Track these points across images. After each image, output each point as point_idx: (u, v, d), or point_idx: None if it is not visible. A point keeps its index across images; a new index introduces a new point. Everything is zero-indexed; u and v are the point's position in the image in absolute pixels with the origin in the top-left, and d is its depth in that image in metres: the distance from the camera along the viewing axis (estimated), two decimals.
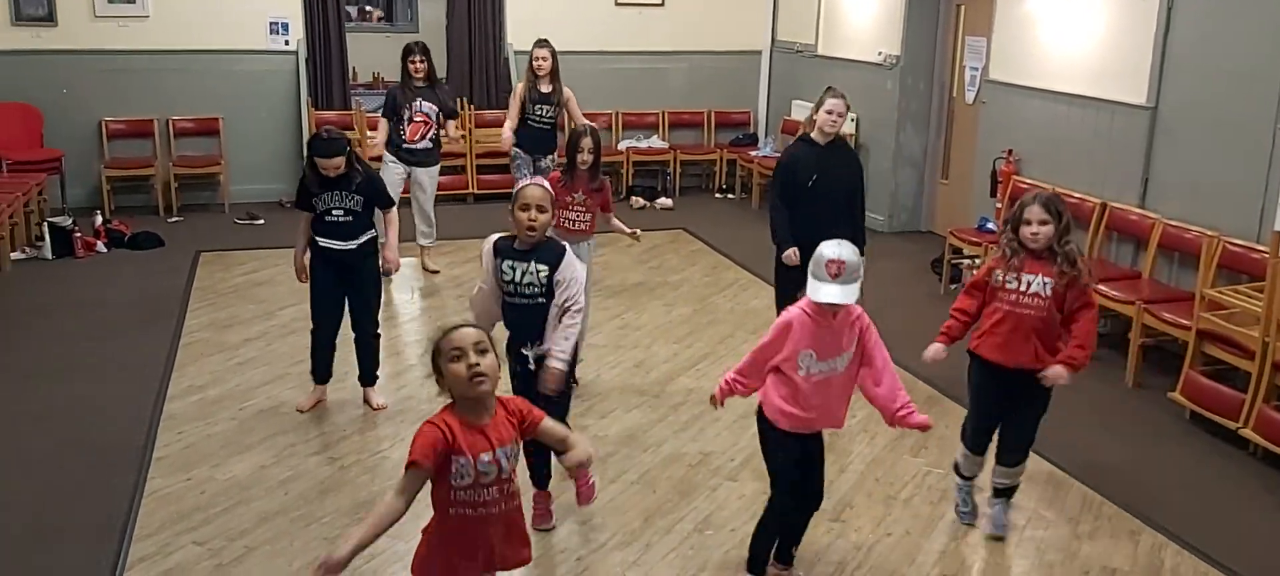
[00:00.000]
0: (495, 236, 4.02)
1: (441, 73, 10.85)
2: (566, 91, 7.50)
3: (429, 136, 7.42)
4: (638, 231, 5.95)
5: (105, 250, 8.17)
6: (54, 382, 5.67)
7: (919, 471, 4.82)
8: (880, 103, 9.22)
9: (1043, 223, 3.87)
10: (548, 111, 7.41)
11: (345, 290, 5.17)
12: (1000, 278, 3.98)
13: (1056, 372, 3.92)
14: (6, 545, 4.09)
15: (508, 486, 2.77)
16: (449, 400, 2.73)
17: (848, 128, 9.49)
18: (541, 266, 3.89)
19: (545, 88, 7.39)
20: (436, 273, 7.68)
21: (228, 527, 4.22)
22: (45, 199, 8.75)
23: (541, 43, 7.48)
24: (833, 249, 3.44)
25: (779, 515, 3.76)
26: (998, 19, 7.85)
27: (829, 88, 5.47)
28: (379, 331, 5.36)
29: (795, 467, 3.66)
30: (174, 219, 9.18)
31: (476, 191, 10.02)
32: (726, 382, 3.68)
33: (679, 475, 4.73)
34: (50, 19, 9.06)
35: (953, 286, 7.39)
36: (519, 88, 7.51)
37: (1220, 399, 5.23)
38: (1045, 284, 3.90)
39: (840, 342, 3.51)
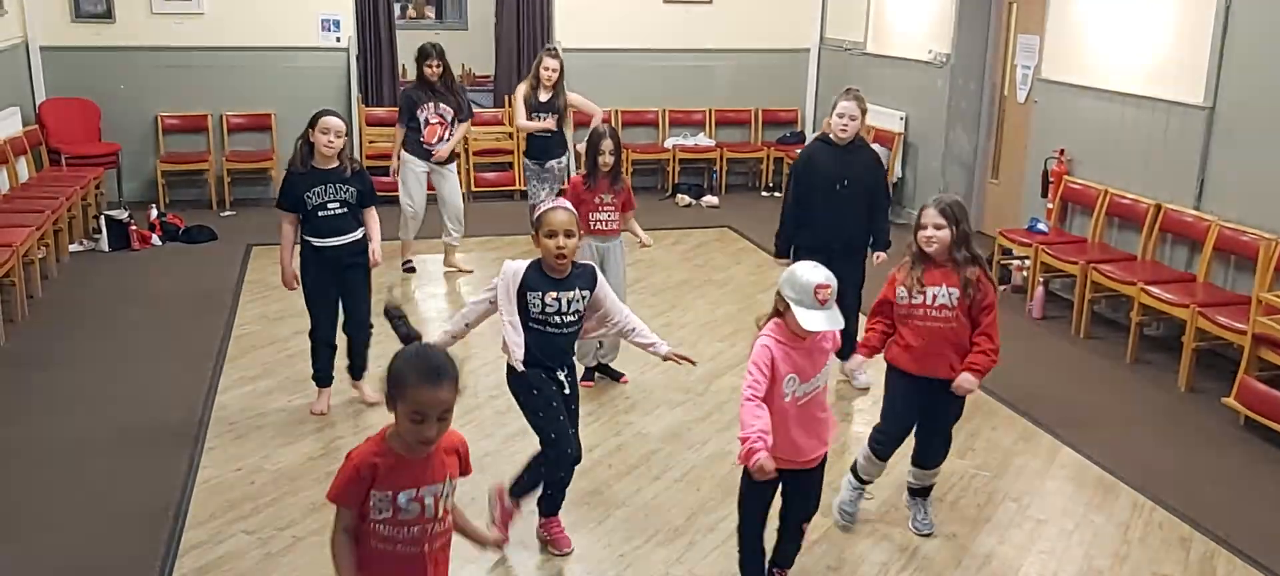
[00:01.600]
0: (522, 264, 3.81)
1: (489, 69, 10.97)
2: (571, 96, 7.49)
3: (444, 137, 7.47)
4: (649, 241, 5.86)
5: (160, 243, 8.31)
6: (108, 372, 5.79)
7: (965, 473, 4.77)
8: (930, 102, 9.13)
9: (938, 227, 3.85)
10: (544, 118, 7.38)
11: (339, 289, 5.17)
12: (906, 296, 3.93)
13: (964, 381, 3.89)
14: (63, 533, 4.18)
15: (432, 527, 2.58)
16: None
17: (897, 126, 9.48)
18: (584, 292, 3.82)
19: (544, 96, 7.35)
20: (470, 272, 7.69)
21: (277, 517, 4.28)
22: (102, 192, 8.97)
23: (552, 52, 7.44)
24: (819, 274, 3.32)
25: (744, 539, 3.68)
26: (1051, 17, 7.74)
27: (846, 89, 5.43)
28: (372, 327, 5.34)
29: (765, 498, 3.58)
30: (227, 213, 9.33)
31: (522, 188, 10.05)
32: (752, 446, 3.25)
33: (722, 473, 4.72)
34: (109, 16, 9.23)
35: (1001, 287, 7.30)
36: (521, 89, 7.45)
37: (1276, 405, 5.12)
38: (950, 294, 3.88)
39: (817, 363, 3.44)
